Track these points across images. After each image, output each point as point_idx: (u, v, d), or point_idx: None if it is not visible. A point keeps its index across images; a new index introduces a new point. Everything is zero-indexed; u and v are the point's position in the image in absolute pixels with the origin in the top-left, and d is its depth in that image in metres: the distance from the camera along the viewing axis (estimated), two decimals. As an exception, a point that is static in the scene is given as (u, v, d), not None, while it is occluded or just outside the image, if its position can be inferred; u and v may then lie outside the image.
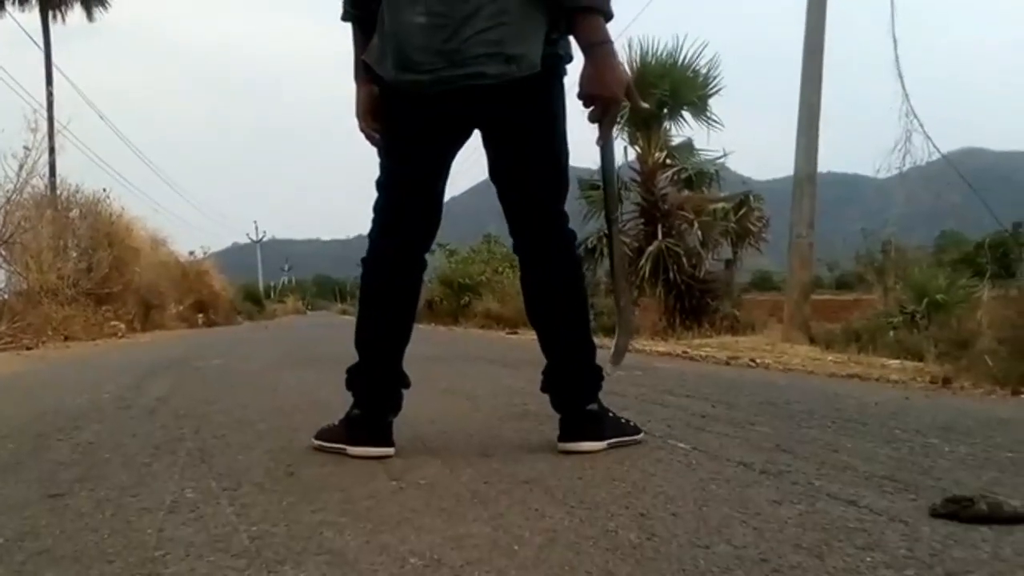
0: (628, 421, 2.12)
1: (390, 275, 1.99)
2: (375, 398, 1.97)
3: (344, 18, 2.04)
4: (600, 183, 12.01)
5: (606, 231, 2.18)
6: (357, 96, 2.05)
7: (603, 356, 2.08)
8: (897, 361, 5.55)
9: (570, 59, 1.94)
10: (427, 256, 2.06)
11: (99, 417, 2.85)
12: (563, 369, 2.01)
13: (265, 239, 72.97)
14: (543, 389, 2.05)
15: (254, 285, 59.03)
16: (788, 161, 9.41)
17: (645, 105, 2.60)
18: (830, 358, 6.00)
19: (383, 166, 1.99)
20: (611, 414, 2.07)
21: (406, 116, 1.91)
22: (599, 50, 1.80)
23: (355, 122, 2.10)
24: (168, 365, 5.52)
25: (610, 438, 2.01)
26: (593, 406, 2.00)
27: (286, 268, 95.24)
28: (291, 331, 16.19)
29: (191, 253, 29.98)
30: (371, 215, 2.00)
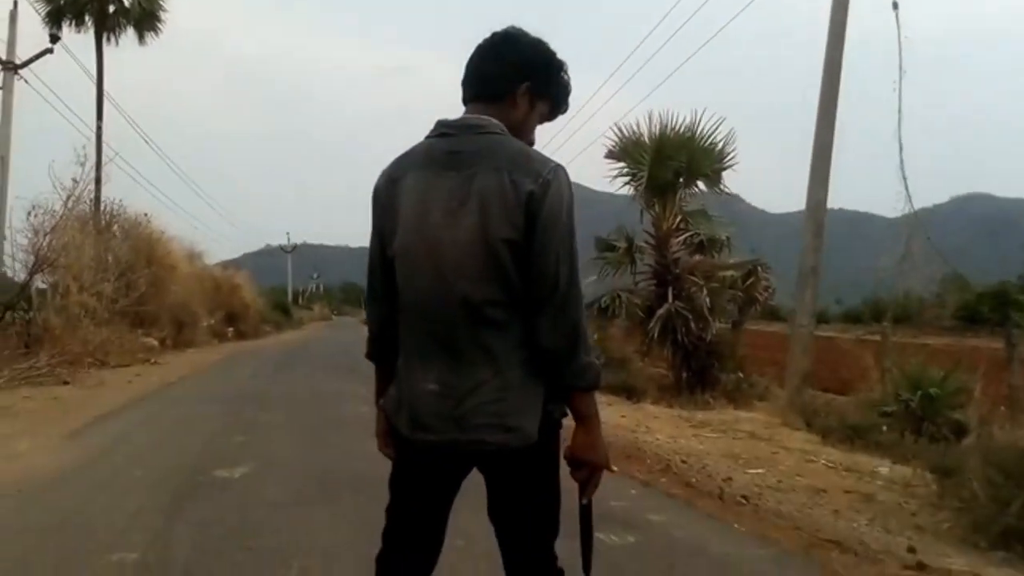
0: None
1: None
2: None
3: (367, 357, 2.29)
4: (615, 243, 12.27)
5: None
6: (377, 418, 2.27)
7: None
8: (887, 468, 6.18)
9: (565, 415, 2.12)
10: None
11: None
12: None
13: (297, 245, 74.35)
14: None
15: (283, 292, 60.38)
16: (802, 195, 9.70)
17: (615, 469, 2.77)
18: (823, 460, 6.58)
19: (392, 496, 2.15)
20: None
21: (414, 459, 2.09)
22: (592, 421, 2.04)
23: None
24: (190, 478, 5.31)
25: None
26: None
27: (315, 276, 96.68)
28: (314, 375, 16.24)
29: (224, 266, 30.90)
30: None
